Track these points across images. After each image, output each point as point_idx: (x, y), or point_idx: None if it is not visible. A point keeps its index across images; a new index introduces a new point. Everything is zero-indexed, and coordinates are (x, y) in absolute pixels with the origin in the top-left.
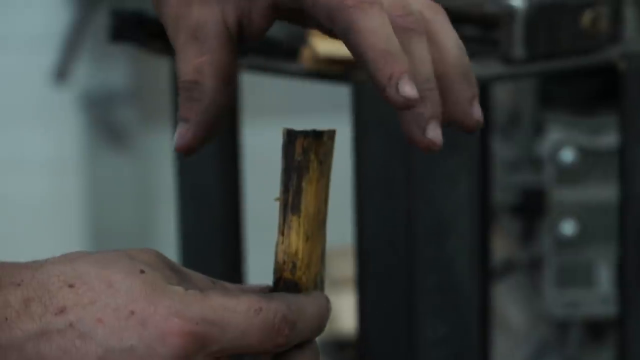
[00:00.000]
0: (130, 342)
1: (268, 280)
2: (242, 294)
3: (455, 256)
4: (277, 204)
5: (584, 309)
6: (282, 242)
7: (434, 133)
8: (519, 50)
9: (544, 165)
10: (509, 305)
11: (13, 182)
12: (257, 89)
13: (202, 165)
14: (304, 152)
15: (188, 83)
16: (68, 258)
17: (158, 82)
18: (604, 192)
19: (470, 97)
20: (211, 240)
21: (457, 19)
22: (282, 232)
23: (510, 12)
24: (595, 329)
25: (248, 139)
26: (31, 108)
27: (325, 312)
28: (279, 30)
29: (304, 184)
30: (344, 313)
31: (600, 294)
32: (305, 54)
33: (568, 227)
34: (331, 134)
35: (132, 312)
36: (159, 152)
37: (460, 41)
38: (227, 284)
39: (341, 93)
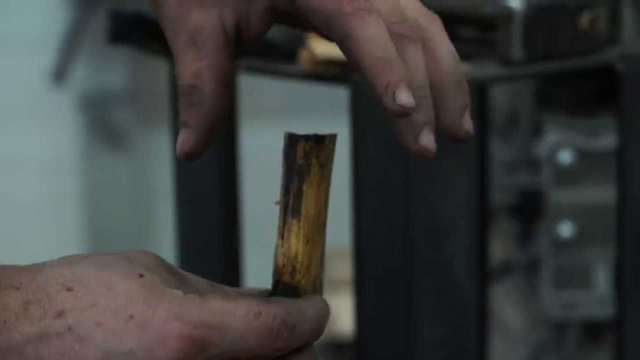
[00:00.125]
0: (129, 346)
1: (266, 282)
2: (242, 297)
3: (453, 258)
4: (276, 206)
5: (582, 311)
6: (282, 245)
7: (427, 140)
8: (517, 51)
9: (541, 167)
10: (507, 306)
11: (11, 182)
12: (255, 90)
13: (200, 166)
14: (306, 155)
15: (187, 88)
16: (67, 261)
17: (156, 84)
18: (601, 193)
19: (461, 106)
20: (209, 242)
21: (456, 20)
22: (282, 235)
23: (509, 13)
24: (592, 330)
25: (246, 141)
26: (29, 109)
27: (324, 316)
28: (277, 32)
29: (304, 188)
30: (342, 315)
31: (597, 296)
32: (304, 55)
33: (565, 229)
34: (332, 137)
35: (131, 316)
36: (157, 153)
37: (454, 50)
38: (226, 288)
39: (339, 95)
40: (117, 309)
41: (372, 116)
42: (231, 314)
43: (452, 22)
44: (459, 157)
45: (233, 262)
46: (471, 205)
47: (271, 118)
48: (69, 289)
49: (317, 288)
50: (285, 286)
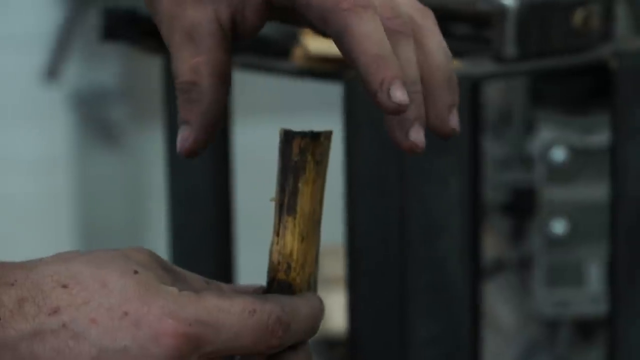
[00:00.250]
0: (124, 343)
1: (259, 279)
2: (237, 295)
3: (446, 255)
4: (269, 202)
5: (574, 308)
6: (277, 243)
7: (417, 135)
8: (510, 48)
9: (534, 164)
10: (499, 304)
11: (3, 180)
12: (249, 87)
13: (193, 163)
14: (301, 152)
15: (186, 84)
16: (62, 258)
17: (149, 81)
18: (594, 191)
19: (449, 103)
20: (202, 238)
21: (449, 17)
22: (277, 233)
23: (502, 10)
24: (585, 328)
25: (239, 137)
26: (22, 107)
27: (318, 314)
28: (271, 29)
29: (300, 185)
30: (335, 312)
31: (590, 294)
32: (297, 52)
33: (558, 226)
34: (328, 134)
35: (126, 313)
36: (150, 150)
37: (446, 47)
38: (221, 285)
39: (333, 91)
40: (112, 306)
41: (366, 113)
42: (226, 312)
43: (445, 19)
44: (452, 154)
45: (226, 258)
46: (464, 202)
47: (265, 114)
48: (63, 286)
49: (311, 286)
50: (280, 283)
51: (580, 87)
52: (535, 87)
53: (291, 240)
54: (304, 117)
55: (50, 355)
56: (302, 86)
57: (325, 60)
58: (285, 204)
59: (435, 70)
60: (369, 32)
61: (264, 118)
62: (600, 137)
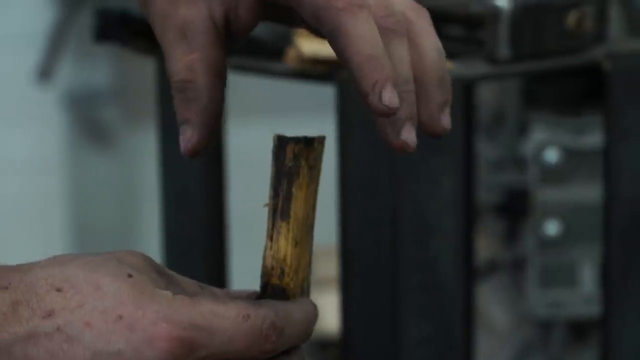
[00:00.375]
0: (118, 346)
1: (252, 282)
2: (231, 300)
3: (439, 256)
4: (263, 205)
5: (567, 309)
6: (271, 248)
7: (408, 134)
8: (504, 50)
9: (527, 165)
10: (492, 305)
11: None
12: (242, 88)
13: (186, 165)
14: (295, 157)
15: (181, 82)
16: (56, 261)
17: (142, 82)
18: (588, 192)
19: (442, 102)
20: (195, 240)
21: (442, 18)
22: (270, 238)
23: (496, 12)
24: (578, 329)
25: (232, 139)
26: (14, 107)
27: (312, 319)
28: (264, 29)
29: (294, 190)
30: (327, 313)
31: (583, 294)
32: (290, 53)
33: (552, 227)
34: (321, 139)
35: (120, 316)
36: (143, 151)
37: (440, 46)
38: (215, 289)
39: (326, 93)
40: (106, 310)
41: (358, 114)
42: (220, 316)
43: (438, 20)
44: (446, 155)
45: (219, 261)
46: (457, 203)
47: (258, 116)
48: (58, 290)
49: (305, 290)
50: (273, 288)
51: (574, 89)
52: (528, 88)
53: (285, 245)
54: (297, 119)
55: (44, 358)
56: (295, 88)
57: (318, 61)
58: (279, 208)
59: (428, 68)
60: (363, 32)
61: (257, 119)
62: (593, 139)
